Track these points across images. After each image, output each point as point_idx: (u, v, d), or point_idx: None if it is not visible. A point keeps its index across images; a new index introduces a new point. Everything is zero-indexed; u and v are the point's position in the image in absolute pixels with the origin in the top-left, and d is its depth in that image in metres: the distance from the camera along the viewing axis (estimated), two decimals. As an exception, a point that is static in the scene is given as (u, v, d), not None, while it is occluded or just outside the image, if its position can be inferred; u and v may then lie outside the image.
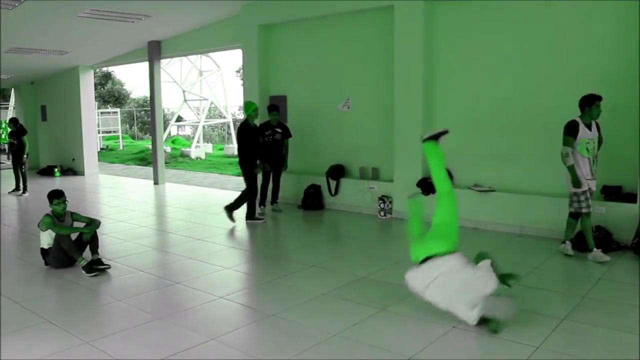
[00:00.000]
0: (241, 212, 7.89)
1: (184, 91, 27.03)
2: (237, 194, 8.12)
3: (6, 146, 15.05)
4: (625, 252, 5.83)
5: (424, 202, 4.77)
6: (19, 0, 7.84)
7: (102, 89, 36.09)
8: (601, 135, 5.74)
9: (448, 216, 4.28)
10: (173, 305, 4.54)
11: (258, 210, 8.08)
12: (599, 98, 5.56)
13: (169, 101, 41.63)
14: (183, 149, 22.70)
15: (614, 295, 4.61)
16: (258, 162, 7.82)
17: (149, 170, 14.35)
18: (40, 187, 11.66)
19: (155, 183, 12.45)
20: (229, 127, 27.91)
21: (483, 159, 7.26)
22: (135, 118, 34.59)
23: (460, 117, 7.33)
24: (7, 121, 12.43)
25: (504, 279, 4.02)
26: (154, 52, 11.93)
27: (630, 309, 4.25)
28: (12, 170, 11.60)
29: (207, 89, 27.56)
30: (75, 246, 5.47)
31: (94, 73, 15.14)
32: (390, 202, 7.93)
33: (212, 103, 27.62)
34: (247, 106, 7.95)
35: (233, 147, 21.90)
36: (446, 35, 7.48)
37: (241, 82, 14.41)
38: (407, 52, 7.56)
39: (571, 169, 5.54)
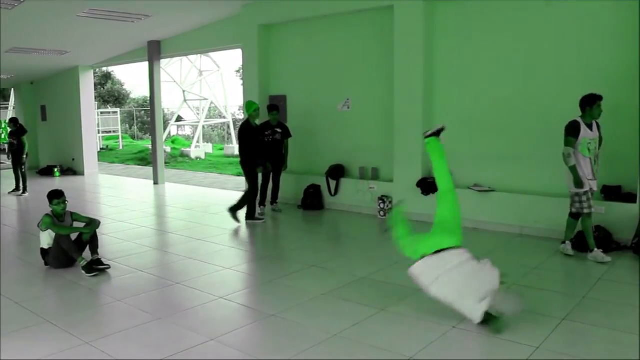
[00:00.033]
0: (241, 213, 7.89)
1: (183, 91, 27.02)
2: (237, 194, 8.12)
3: (6, 146, 15.04)
4: (625, 252, 5.83)
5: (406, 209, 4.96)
6: (19, 0, 7.83)
7: (102, 89, 36.10)
8: (601, 135, 5.74)
9: (452, 212, 4.28)
10: (173, 306, 4.54)
11: (258, 210, 8.08)
12: (600, 98, 5.56)
13: (169, 101, 41.53)
14: (183, 149, 22.69)
15: (614, 295, 4.61)
16: (259, 161, 7.82)
17: (149, 170, 14.35)
18: (40, 187, 11.65)
19: (155, 183, 12.45)
20: (228, 127, 27.89)
21: (483, 159, 7.26)
22: (135, 118, 34.60)
23: (460, 117, 7.33)
24: (7, 121, 12.42)
25: None
26: (154, 52, 11.93)
27: (630, 309, 4.25)
28: (12, 170, 11.59)
29: (207, 89, 27.55)
30: (75, 246, 5.47)
31: (94, 73, 15.14)
32: (390, 202, 7.92)
33: (212, 103, 27.61)
34: (249, 106, 7.94)
35: (233, 147, 21.92)
36: (446, 35, 7.48)
37: (241, 82, 14.40)
38: (407, 52, 7.56)
39: (573, 170, 5.53)
